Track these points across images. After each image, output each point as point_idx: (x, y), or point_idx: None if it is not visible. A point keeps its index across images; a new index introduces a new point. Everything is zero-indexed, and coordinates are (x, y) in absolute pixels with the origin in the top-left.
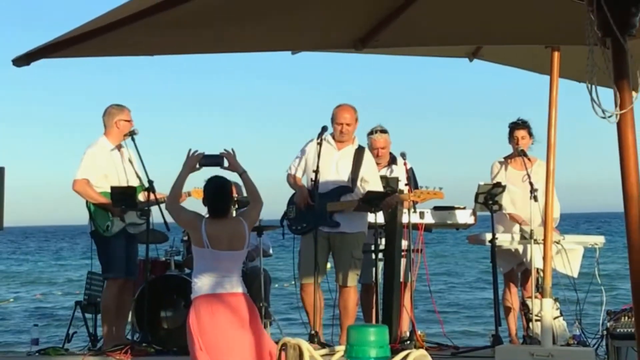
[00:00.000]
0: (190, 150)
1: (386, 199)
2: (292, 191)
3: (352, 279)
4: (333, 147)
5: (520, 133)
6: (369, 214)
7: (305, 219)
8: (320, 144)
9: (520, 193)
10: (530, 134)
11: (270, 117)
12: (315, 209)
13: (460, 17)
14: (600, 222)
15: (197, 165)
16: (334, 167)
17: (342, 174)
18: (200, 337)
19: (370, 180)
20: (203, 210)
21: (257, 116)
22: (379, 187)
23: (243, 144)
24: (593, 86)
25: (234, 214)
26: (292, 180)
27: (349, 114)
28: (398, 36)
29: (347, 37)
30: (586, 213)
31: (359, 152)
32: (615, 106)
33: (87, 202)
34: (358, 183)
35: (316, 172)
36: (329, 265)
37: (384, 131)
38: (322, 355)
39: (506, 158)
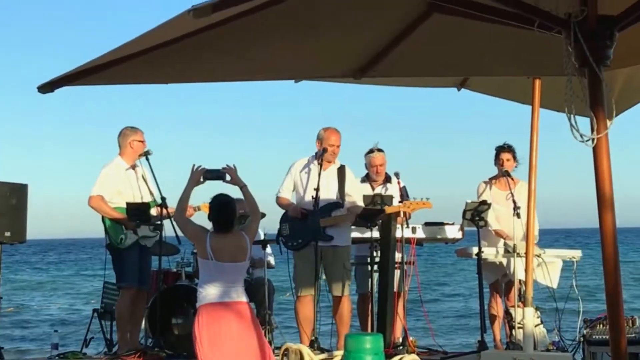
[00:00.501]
0: (194, 165)
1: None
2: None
3: (346, 289)
4: (319, 168)
5: (506, 156)
6: (352, 228)
7: (299, 235)
8: (321, 164)
9: (504, 211)
10: (515, 158)
11: (273, 139)
12: (309, 224)
13: (449, 50)
14: (581, 237)
15: (201, 179)
16: (323, 186)
17: (330, 191)
18: (204, 343)
19: (353, 194)
20: (209, 225)
21: (259, 138)
22: (360, 199)
23: (251, 163)
24: (572, 112)
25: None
26: (282, 202)
27: (337, 137)
28: (393, 67)
29: (347, 67)
30: (566, 229)
31: (341, 170)
32: (592, 131)
33: (102, 217)
34: (345, 198)
35: (317, 189)
36: (323, 276)
37: (380, 150)
38: None
39: (491, 179)
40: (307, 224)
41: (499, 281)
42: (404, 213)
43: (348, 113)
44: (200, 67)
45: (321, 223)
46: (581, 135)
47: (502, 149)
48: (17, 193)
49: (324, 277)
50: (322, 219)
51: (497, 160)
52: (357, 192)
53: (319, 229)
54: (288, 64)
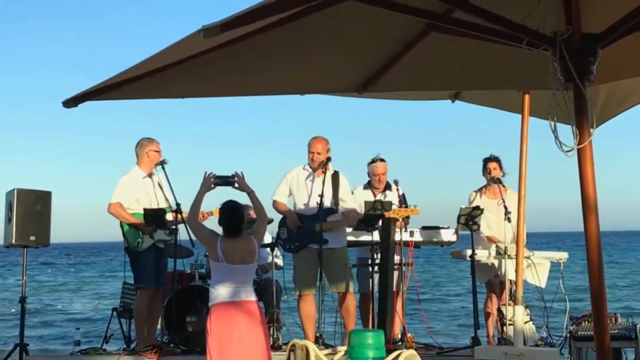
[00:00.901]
0: (205, 172)
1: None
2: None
3: (350, 285)
4: (313, 175)
5: (492, 165)
6: (347, 230)
7: (296, 238)
8: (324, 172)
9: (494, 218)
10: (501, 167)
11: (283, 149)
12: (305, 228)
13: (444, 66)
14: (571, 240)
15: (212, 185)
16: (318, 192)
17: (325, 198)
18: (216, 339)
19: (347, 199)
20: (220, 229)
21: (267, 147)
22: (353, 204)
23: (260, 172)
24: (556, 124)
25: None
26: (277, 206)
27: (320, 144)
28: (393, 82)
29: (351, 82)
30: (556, 232)
31: (335, 177)
32: (575, 141)
33: (120, 222)
34: (339, 203)
35: (321, 196)
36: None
37: (382, 160)
38: (326, 355)
39: (481, 188)
40: (303, 228)
41: (491, 281)
42: (403, 218)
43: (351, 124)
44: (211, 83)
45: (317, 228)
46: (562, 145)
47: (488, 159)
48: (41, 200)
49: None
50: (318, 224)
51: (485, 170)
52: (350, 198)
53: (314, 233)
54: (295, 79)
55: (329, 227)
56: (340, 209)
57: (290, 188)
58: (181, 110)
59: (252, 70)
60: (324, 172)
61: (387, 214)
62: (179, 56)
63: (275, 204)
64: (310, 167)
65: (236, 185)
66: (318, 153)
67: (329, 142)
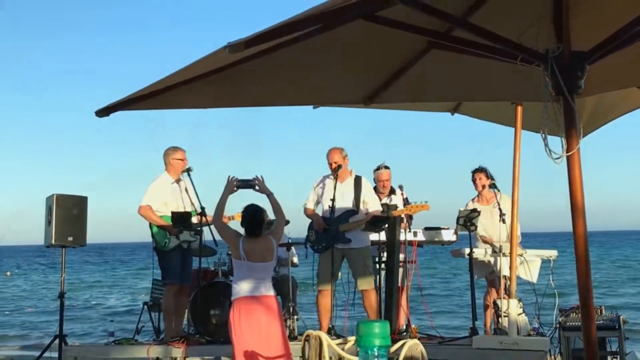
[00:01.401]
0: (229, 176)
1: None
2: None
3: (370, 283)
4: (336, 181)
5: (479, 175)
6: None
7: (323, 240)
8: (336, 178)
9: (489, 222)
10: (487, 176)
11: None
12: (330, 231)
13: (444, 80)
14: (563, 240)
15: (235, 188)
16: (340, 196)
17: (346, 201)
18: (238, 330)
19: (370, 200)
20: (242, 230)
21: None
22: (377, 204)
23: (287, 178)
24: (546, 134)
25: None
26: (307, 212)
27: (333, 154)
28: (397, 94)
29: (358, 95)
30: (551, 232)
31: (357, 181)
32: (563, 150)
33: (149, 223)
34: (361, 205)
35: (333, 200)
36: (340, 274)
37: (387, 167)
38: (337, 344)
39: (474, 198)
40: (328, 231)
41: (487, 278)
42: (407, 220)
43: (360, 134)
44: (234, 94)
45: (340, 228)
46: (550, 153)
47: (475, 170)
48: (78, 204)
49: (346, 274)
50: (341, 225)
51: (473, 180)
52: (374, 198)
53: (338, 234)
54: (308, 91)
55: (351, 227)
56: (363, 210)
57: (317, 195)
58: (208, 120)
59: (270, 82)
60: (335, 178)
61: (399, 211)
62: (205, 69)
63: (305, 210)
64: (333, 176)
65: (256, 187)
66: (335, 162)
67: (344, 149)
